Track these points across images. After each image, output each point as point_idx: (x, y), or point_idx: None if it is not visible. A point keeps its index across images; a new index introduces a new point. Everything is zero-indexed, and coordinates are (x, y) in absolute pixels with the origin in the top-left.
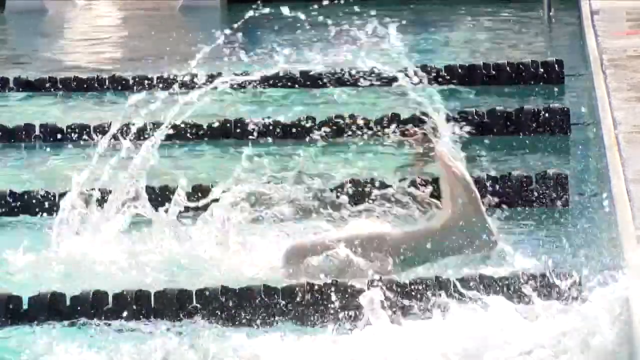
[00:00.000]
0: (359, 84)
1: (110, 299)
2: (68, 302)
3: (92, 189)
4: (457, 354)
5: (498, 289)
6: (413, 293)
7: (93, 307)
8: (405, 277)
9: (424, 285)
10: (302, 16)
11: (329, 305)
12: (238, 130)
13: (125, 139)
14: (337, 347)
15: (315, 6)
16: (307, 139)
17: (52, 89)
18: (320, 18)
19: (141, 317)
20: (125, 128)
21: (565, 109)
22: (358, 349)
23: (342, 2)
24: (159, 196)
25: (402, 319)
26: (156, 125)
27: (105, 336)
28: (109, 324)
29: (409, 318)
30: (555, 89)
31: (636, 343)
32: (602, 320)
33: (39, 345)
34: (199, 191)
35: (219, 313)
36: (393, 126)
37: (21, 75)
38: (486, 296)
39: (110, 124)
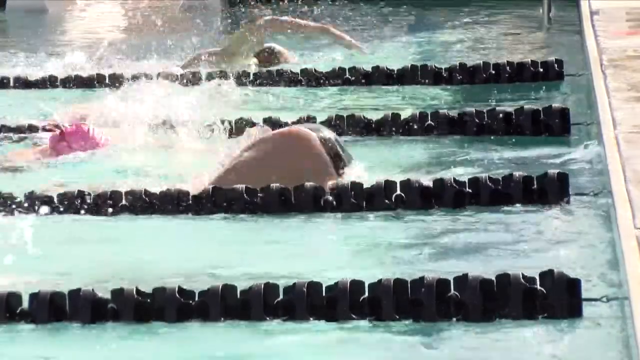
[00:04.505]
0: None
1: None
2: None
3: None
4: None
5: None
6: None
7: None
8: None
9: None
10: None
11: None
12: None
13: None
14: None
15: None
16: None
17: (52, 88)
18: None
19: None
20: None
21: (565, 109)
22: None
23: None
24: None
25: None
26: None
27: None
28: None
29: None
30: (555, 89)
31: (636, 343)
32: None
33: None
34: None
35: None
36: None
37: (21, 74)
38: None
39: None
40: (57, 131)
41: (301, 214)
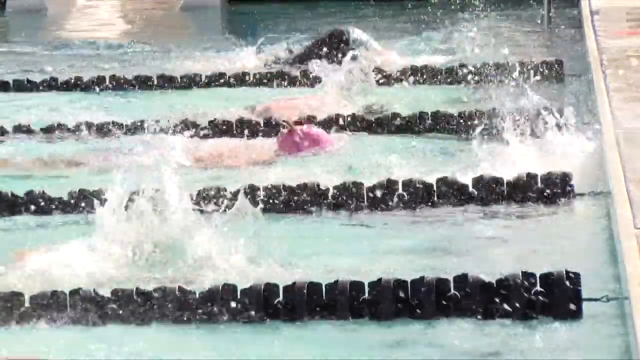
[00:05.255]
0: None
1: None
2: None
3: None
4: None
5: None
6: None
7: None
8: None
9: None
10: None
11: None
12: None
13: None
14: None
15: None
16: None
17: (53, 89)
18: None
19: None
20: None
21: (565, 109)
22: None
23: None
24: None
25: None
26: None
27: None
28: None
29: None
30: (555, 89)
31: (636, 343)
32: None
33: None
34: None
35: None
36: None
37: (21, 75)
38: None
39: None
40: (287, 130)
41: None
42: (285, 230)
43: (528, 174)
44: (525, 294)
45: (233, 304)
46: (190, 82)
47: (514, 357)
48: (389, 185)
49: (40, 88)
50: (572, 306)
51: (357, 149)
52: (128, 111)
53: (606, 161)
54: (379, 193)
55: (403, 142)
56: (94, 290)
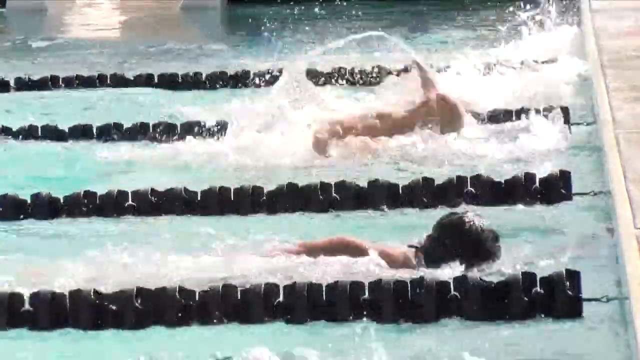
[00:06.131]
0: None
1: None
2: None
3: None
4: None
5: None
6: None
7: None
8: None
9: None
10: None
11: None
12: None
13: None
14: None
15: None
16: None
17: (54, 88)
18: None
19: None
20: None
21: (566, 109)
22: None
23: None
24: None
25: None
26: None
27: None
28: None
29: None
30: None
31: (636, 343)
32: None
33: None
34: None
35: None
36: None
37: (22, 75)
38: None
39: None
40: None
41: None
42: None
43: (526, 173)
44: (525, 294)
45: None
46: (194, 82)
47: (514, 357)
48: None
49: (41, 87)
50: (572, 306)
51: None
52: (129, 111)
53: (606, 161)
54: None
55: None
56: None
